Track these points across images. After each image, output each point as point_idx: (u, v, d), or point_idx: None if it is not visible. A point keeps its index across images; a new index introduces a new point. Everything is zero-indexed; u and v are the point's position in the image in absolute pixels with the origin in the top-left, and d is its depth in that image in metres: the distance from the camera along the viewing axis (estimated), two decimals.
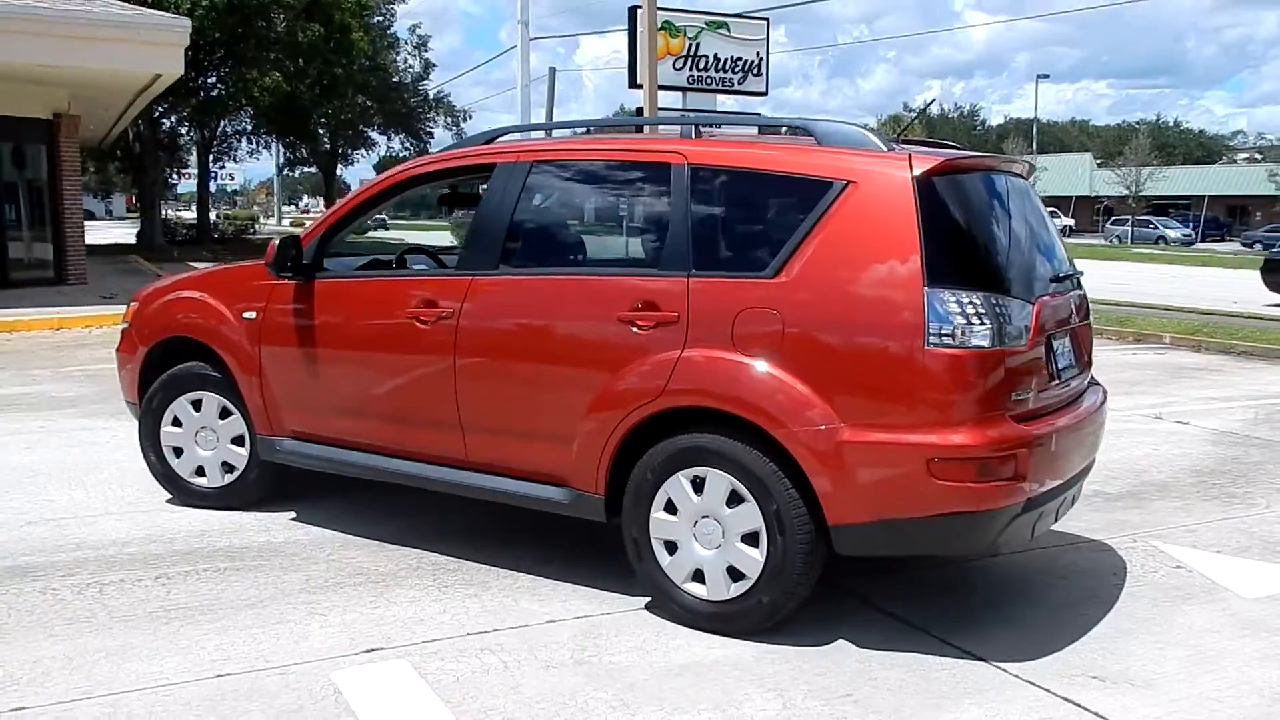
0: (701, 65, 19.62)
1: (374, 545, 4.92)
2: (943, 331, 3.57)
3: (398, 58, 43.89)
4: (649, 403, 3.97)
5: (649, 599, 4.23)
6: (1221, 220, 61.41)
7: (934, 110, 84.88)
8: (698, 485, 3.95)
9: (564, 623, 4.07)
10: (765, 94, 20.93)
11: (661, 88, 19.37)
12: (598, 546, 4.79)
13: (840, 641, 3.92)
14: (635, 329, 4.03)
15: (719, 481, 3.90)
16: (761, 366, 3.78)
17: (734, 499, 3.88)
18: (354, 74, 34.30)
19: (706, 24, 19.60)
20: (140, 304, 5.66)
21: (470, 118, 39.57)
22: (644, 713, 3.36)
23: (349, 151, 48.35)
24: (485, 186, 4.63)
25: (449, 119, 36.31)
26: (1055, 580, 4.65)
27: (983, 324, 3.59)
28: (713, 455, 3.89)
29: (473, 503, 4.85)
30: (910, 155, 3.79)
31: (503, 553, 4.80)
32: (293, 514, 5.37)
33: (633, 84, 19.24)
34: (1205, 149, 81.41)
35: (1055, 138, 68.66)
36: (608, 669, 3.68)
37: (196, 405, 5.40)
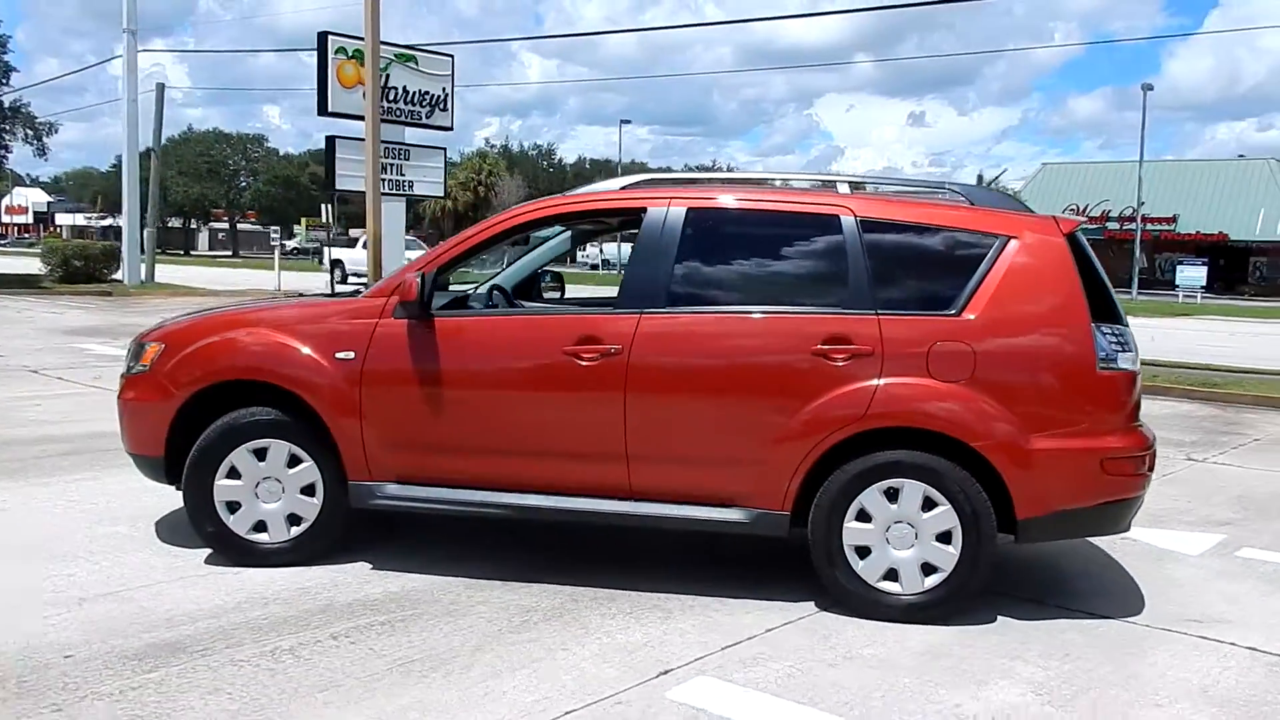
0: (391, 97, 19.54)
1: (499, 585, 4.92)
2: (1106, 357, 4.50)
3: None
4: (850, 425, 4.52)
5: (815, 603, 4.75)
6: None
7: (514, 146, 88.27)
8: (891, 495, 4.56)
9: (782, 630, 4.48)
10: (451, 129, 21.22)
11: (350, 116, 19.09)
12: (722, 564, 5.19)
13: (1000, 619, 4.70)
14: (831, 361, 4.56)
15: (914, 490, 4.54)
16: (960, 390, 4.49)
17: (928, 505, 4.54)
18: None
19: (396, 56, 19.55)
20: (169, 344, 5.14)
21: (56, 130, 35.18)
22: (955, 688, 3.93)
23: None
24: (641, 229, 4.88)
25: (27, 131, 32.14)
26: (1089, 557, 5.74)
27: (1126, 350, 4.58)
28: (909, 468, 4.53)
29: (549, 534, 5.15)
30: (1055, 218, 4.71)
31: (636, 579, 5.03)
32: (368, 564, 5.17)
33: (323, 110, 18.75)
34: None
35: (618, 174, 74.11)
36: (873, 660, 4.18)
37: (260, 454, 5.04)
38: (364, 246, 24.50)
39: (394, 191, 19.86)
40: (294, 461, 5.06)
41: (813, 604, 4.79)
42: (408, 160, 20.42)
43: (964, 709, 3.77)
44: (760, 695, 3.82)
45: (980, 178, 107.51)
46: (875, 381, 4.54)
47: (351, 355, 4.92)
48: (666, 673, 4.00)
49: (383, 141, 19.29)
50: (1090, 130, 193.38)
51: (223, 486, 5.03)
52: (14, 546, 5.29)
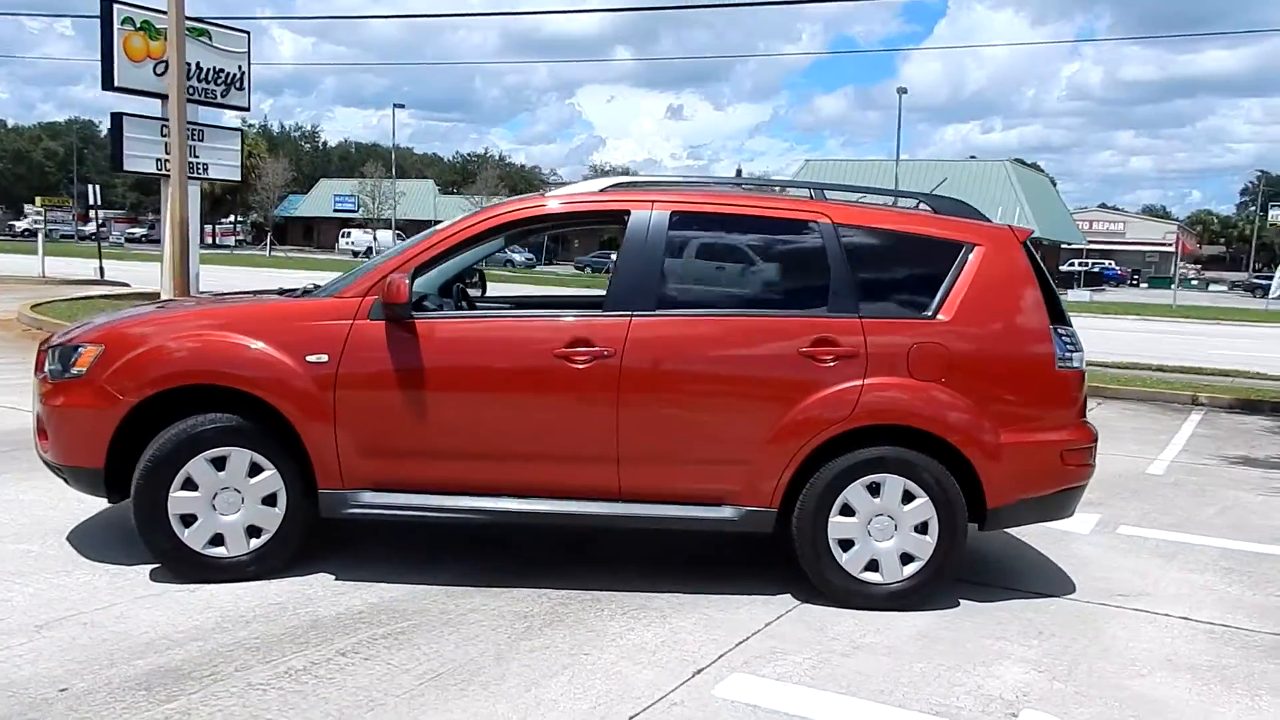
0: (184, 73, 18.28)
1: (479, 592, 4.82)
2: (1063, 357, 4.90)
3: None
4: (839, 424, 4.72)
5: (792, 594, 4.93)
6: (544, 246, 69.83)
7: (274, 128, 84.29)
8: (873, 489, 4.79)
9: (779, 624, 4.62)
10: (247, 109, 20.16)
11: (140, 92, 17.87)
12: (690, 563, 5.28)
13: (963, 602, 5.02)
14: (818, 362, 4.74)
15: (895, 484, 4.79)
16: (937, 390, 4.77)
17: (906, 497, 4.80)
18: None
19: (189, 30, 18.29)
20: (111, 346, 4.72)
21: None
22: (966, 670, 4.20)
23: None
24: (626, 232, 4.89)
25: None
26: (1004, 540, 6.17)
27: (1077, 350, 4.99)
28: (892, 463, 4.77)
29: (503, 540, 5.32)
30: (1010, 227, 5.07)
31: (611, 580, 5.05)
32: (330, 575, 4.94)
33: (108, 86, 17.47)
34: (528, 181, 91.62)
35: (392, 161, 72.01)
36: (880, 648, 4.39)
37: (219, 464, 4.72)
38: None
39: (187, 174, 18.67)
40: (254, 470, 4.77)
41: (789, 595, 4.95)
42: (201, 141, 19.18)
43: (986, 688, 4.03)
44: (799, 688, 3.94)
45: (739, 170, 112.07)
46: (861, 381, 4.74)
47: (324, 358, 4.69)
48: (699, 672, 4.06)
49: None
50: (834, 128, 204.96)
51: (178, 499, 4.68)
52: None
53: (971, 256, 4.93)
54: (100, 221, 30.99)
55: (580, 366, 4.70)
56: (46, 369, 4.94)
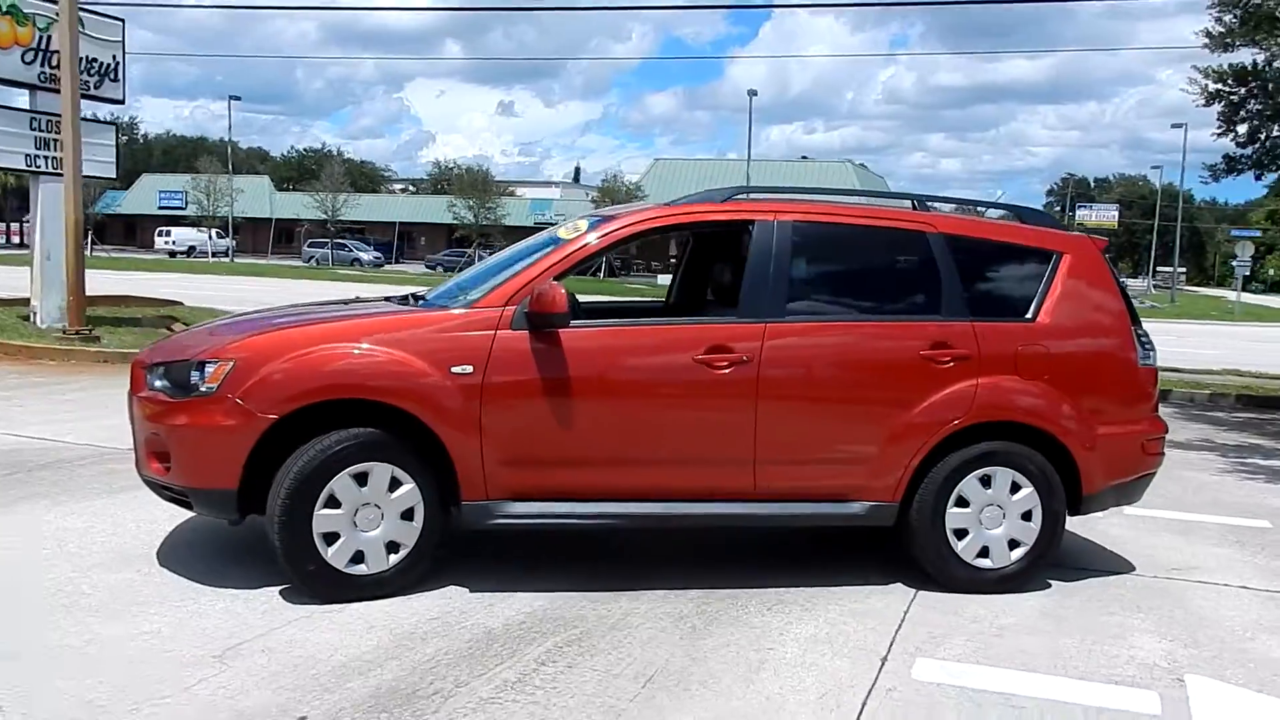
0: (54, 62, 17.20)
1: (612, 596, 4.88)
2: (1143, 355, 5.35)
3: None
4: (958, 421, 5.03)
5: (903, 582, 5.21)
6: (394, 245, 68.36)
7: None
8: (985, 482, 5.13)
9: (914, 610, 4.89)
10: (123, 101, 19.08)
11: (9, 82, 16.76)
12: (783, 555, 5.50)
13: (1053, 583, 5.40)
14: (937, 364, 5.04)
15: (1005, 476, 5.13)
16: (1041, 387, 5.14)
17: (1014, 488, 5.15)
18: None
19: (59, 15, 17.22)
20: (244, 361, 4.57)
21: None
22: (1109, 642, 4.57)
23: None
24: (752, 241, 5.05)
25: None
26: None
27: (1151, 350, 5.46)
28: (1001, 456, 5.11)
29: (604, 541, 5.44)
30: (1090, 236, 5.50)
31: (726, 578, 5.21)
32: (462, 588, 4.91)
33: None
34: (367, 178, 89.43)
35: (222, 156, 68.99)
36: (1022, 628, 4.71)
37: (360, 479, 4.65)
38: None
39: (57, 170, 17.58)
40: (394, 485, 4.71)
41: (900, 584, 5.23)
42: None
43: (1139, 657, 4.41)
44: (984, 668, 4.21)
45: (577, 169, 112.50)
46: (975, 381, 5.06)
47: (469, 369, 4.67)
48: (885, 659, 4.28)
49: (40, 113, 17.30)
50: (665, 126, 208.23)
51: (322, 517, 4.59)
52: (29, 599, 4.47)
53: (1061, 263, 5.33)
54: None
55: (721, 372, 4.84)
56: (157, 386, 4.75)
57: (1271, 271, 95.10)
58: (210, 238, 61.88)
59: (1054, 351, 5.19)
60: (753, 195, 5.30)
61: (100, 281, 21.03)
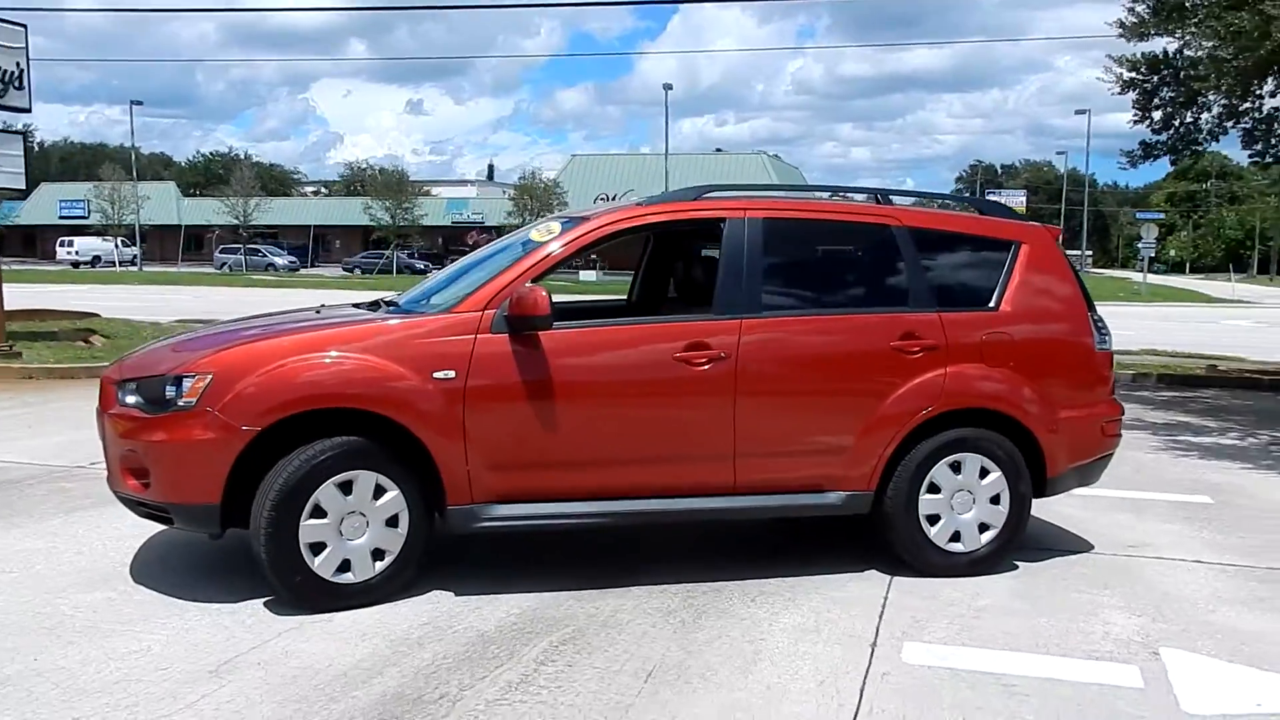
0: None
1: (598, 593, 4.92)
2: (1099, 340, 5.55)
3: None
4: (928, 409, 5.17)
5: (876, 568, 5.33)
6: (308, 248, 67.16)
7: None
8: (955, 467, 5.28)
9: (893, 596, 5.01)
10: (29, 110, 18.41)
11: None
12: (754, 546, 5.60)
13: (1019, 564, 5.59)
14: (907, 354, 5.18)
15: (974, 462, 5.29)
16: (1006, 374, 5.30)
17: (983, 473, 5.31)
18: None
19: None
20: (221, 373, 4.49)
21: None
22: (1084, 619, 4.74)
23: None
24: (724, 238, 5.12)
25: None
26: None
27: (1107, 333, 5.67)
28: (970, 442, 5.27)
29: (585, 540, 5.48)
30: (1045, 225, 5.68)
31: (708, 571, 5.29)
32: (447, 592, 4.91)
33: None
34: (278, 181, 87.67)
35: (124, 163, 66.87)
36: (999, 610, 4.86)
37: (345, 488, 4.62)
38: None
39: None
40: (378, 492, 4.69)
41: (874, 570, 5.36)
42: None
43: (1114, 633, 4.58)
44: (971, 650, 4.34)
45: (491, 167, 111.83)
46: (943, 370, 5.21)
47: (452, 374, 4.67)
48: (875, 645, 4.39)
49: None
50: (576, 122, 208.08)
51: (308, 528, 4.55)
52: (10, 623, 4.36)
53: (1020, 253, 5.50)
54: None
55: (700, 369, 4.91)
56: (129, 402, 4.65)
57: (1173, 252, 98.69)
58: (116, 246, 60.07)
59: (1016, 339, 5.36)
60: (721, 193, 5.37)
61: (8, 295, 20.30)
